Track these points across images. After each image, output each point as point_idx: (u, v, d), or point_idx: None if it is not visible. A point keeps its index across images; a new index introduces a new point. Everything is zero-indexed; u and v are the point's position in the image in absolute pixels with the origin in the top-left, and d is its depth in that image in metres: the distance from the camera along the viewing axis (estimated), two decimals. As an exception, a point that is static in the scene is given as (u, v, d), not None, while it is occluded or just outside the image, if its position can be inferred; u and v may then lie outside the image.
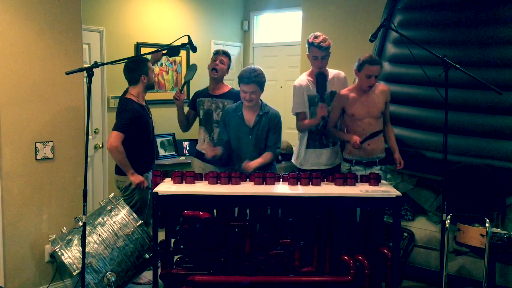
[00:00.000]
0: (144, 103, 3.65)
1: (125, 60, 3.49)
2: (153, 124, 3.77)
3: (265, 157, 3.54)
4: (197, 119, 4.13)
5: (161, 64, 5.36)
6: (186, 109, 4.22)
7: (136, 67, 3.58)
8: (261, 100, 3.62)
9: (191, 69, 4.23)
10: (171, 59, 5.44)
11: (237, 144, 3.63)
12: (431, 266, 3.71)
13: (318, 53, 3.60)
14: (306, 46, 3.66)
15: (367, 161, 3.61)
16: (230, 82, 4.35)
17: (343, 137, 3.66)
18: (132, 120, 3.45)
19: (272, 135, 3.59)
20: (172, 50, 3.70)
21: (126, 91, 3.65)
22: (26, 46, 3.26)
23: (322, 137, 3.75)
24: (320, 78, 3.57)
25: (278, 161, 5.04)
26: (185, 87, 4.05)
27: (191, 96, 4.25)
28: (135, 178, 3.49)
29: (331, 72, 3.79)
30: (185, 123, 4.16)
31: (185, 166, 5.04)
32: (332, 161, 3.80)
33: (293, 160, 3.91)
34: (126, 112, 3.48)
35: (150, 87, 3.70)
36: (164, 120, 5.22)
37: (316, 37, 3.59)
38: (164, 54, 3.99)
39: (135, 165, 3.53)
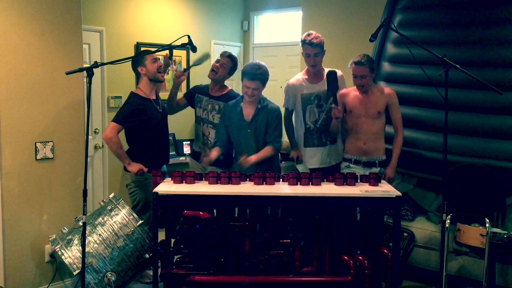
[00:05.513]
0: (153, 97, 3.61)
1: (125, 60, 3.48)
2: (163, 121, 3.67)
3: (265, 151, 3.53)
4: (193, 117, 4.08)
5: None
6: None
7: (135, 60, 3.58)
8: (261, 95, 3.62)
9: (203, 57, 4.08)
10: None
11: (238, 139, 3.64)
12: (431, 266, 3.71)
13: (310, 50, 3.60)
14: (300, 45, 3.67)
15: (366, 161, 3.61)
16: (230, 82, 4.33)
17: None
18: (132, 113, 3.43)
19: (271, 130, 3.57)
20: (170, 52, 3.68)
21: None
22: (26, 46, 3.26)
23: (321, 135, 3.75)
24: (330, 76, 3.51)
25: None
26: (188, 71, 3.96)
27: (191, 84, 4.16)
28: (132, 168, 3.44)
29: (328, 70, 3.79)
30: (173, 106, 4.00)
31: (185, 166, 5.04)
32: (330, 160, 3.80)
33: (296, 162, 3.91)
34: (127, 105, 3.48)
35: (153, 79, 3.57)
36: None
37: (308, 34, 3.61)
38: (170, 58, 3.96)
39: (141, 162, 3.48)
